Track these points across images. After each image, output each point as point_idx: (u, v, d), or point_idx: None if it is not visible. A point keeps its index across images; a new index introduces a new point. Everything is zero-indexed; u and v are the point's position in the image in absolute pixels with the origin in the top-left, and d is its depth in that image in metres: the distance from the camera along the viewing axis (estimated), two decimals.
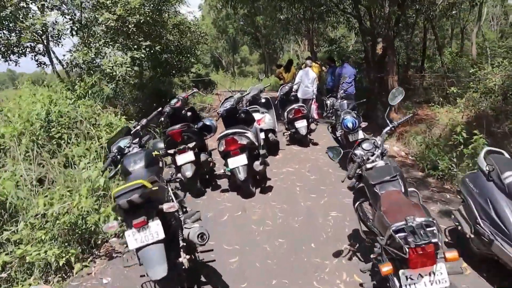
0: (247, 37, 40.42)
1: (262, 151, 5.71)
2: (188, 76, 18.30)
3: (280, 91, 9.01)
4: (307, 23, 20.48)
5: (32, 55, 10.93)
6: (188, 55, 15.13)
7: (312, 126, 8.44)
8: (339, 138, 7.16)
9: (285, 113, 8.43)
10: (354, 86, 10.49)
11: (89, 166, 4.77)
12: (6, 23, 9.21)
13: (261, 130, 7.10)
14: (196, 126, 5.96)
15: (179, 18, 13.00)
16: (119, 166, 3.61)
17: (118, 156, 3.71)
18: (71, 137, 6.29)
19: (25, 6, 9.12)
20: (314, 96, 10.55)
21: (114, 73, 8.81)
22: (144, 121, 4.09)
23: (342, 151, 3.54)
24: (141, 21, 9.49)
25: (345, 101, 6.85)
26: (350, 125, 6.10)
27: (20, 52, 10.39)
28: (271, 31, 34.47)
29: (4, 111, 5.71)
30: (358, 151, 3.50)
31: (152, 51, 10.96)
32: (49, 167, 4.65)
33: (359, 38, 18.86)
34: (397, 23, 12.12)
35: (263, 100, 8.08)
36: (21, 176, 4.32)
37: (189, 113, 6.34)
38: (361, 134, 6.26)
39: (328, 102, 7.51)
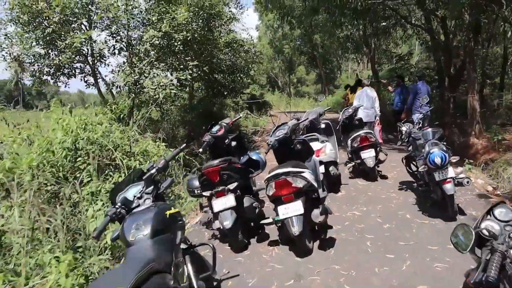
0: (303, 57, 39.67)
1: (322, 194, 4.48)
2: (241, 97, 17.42)
3: (342, 114, 7.77)
4: (369, 39, 19.12)
5: (82, 76, 10.53)
6: (242, 75, 14.26)
7: (381, 156, 7.07)
8: (419, 174, 5.78)
9: (349, 141, 7.16)
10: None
11: (99, 215, 3.77)
12: (54, 42, 8.76)
13: (321, 162, 5.88)
14: (239, 161, 4.87)
15: (231, 36, 12.15)
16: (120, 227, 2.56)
17: (123, 211, 2.67)
18: (100, 168, 5.47)
19: (69, 25, 8.63)
20: (378, 118, 9.24)
21: (157, 96, 8.00)
22: (161, 163, 3.00)
23: (474, 234, 2.12)
24: (189, 38, 8.66)
25: (430, 129, 5.42)
26: (438, 160, 4.70)
27: (70, 73, 9.97)
28: (329, 49, 33.35)
29: (10, 143, 4.89)
30: (490, 224, 2.10)
31: (200, 71, 10.18)
32: (53, 213, 3.69)
33: (423, 54, 17.06)
34: (477, 33, 10.52)
35: (322, 126, 6.89)
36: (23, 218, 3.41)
37: (233, 143, 5.28)
38: (451, 172, 4.84)
39: (404, 128, 6.14)
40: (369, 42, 19.26)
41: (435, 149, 4.79)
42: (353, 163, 7.20)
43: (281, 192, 4.00)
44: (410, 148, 6.07)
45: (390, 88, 11.90)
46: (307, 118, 6.24)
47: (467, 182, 4.85)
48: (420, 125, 6.29)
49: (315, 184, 4.25)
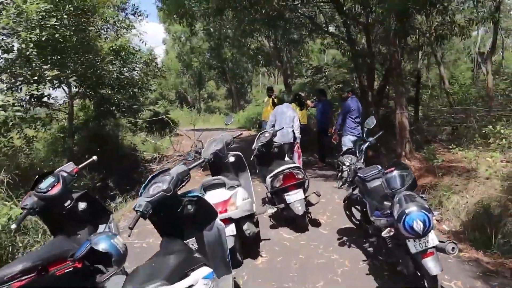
0: (213, 71, 37.92)
1: None
2: (137, 117, 14.69)
3: (257, 140, 5.86)
4: (280, 51, 17.85)
5: None
6: (135, 90, 11.83)
7: (312, 198, 5.21)
8: (371, 229, 4.01)
9: (268, 179, 5.24)
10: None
11: None
12: None
13: (229, 220, 3.92)
14: (84, 246, 2.68)
15: (120, 41, 9.77)
16: None
17: None
18: None
19: None
20: (298, 140, 7.65)
21: None
22: None
23: None
24: (43, 39, 6.21)
25: (396, 172, 3.54)
26: (419, 226, 2.88)
27: None
28: (239, 63, 32.05)
29: None
30: None
31: (81, 86, 7.76)
32: None
33: (332, 67, 15.72)
34: (401, 40, 9.37)
35: (231, 159, 4.91)
36: None
37: (82, 205, 3.13)
38: (433, 238, 3.08)
39: (347, 163, 4.38)
40: (280, 54, 17.99)
41: (413, 208, 2.96)
42: (275, 208, 5.28)
43: None
44: (358, 194, 4.27)
45: (309, 103, 10.35)
46: (204, 159, 4.20)
47: (452, 249, 3.10)
48: (363, 156, 4.58)
49: None
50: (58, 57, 7.81)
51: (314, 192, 5.21)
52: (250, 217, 4.32)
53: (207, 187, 4.07)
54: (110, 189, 9.15)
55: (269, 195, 5.52)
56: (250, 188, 4.86)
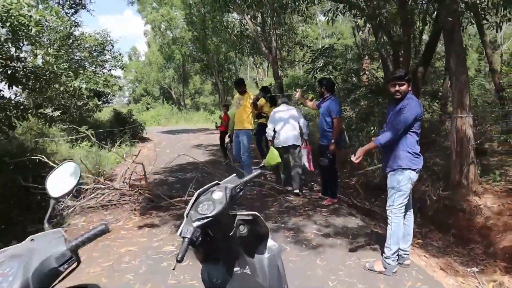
0: (197, 64, 34.31)
1: None
2: (91, 118, 10.63)
3: (190, 211, 1.63)
4: (268, 36, 14.20)
5: None
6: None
7: None
8: None
9: None
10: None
11: None
12: None
13: None
14: None
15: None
16: None
17: None
18: None
19: None
20: (306, 137, 6.49)
21: None
22: None
23: None
24: None
25: None
26: None
27: None
28: (224, 55, 28.52)
29: None
30: None
31: None
32: None
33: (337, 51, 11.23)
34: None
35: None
36: None
37: None
38: None
39: None
40: (268, 39, 14.31)
41: None
42: None
43: None
44: None
45: (309, 102, 6.54)
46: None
47: None
48: None
49: None
50: None
51: None
52: None
53: None
54: None
55: None
56: None
